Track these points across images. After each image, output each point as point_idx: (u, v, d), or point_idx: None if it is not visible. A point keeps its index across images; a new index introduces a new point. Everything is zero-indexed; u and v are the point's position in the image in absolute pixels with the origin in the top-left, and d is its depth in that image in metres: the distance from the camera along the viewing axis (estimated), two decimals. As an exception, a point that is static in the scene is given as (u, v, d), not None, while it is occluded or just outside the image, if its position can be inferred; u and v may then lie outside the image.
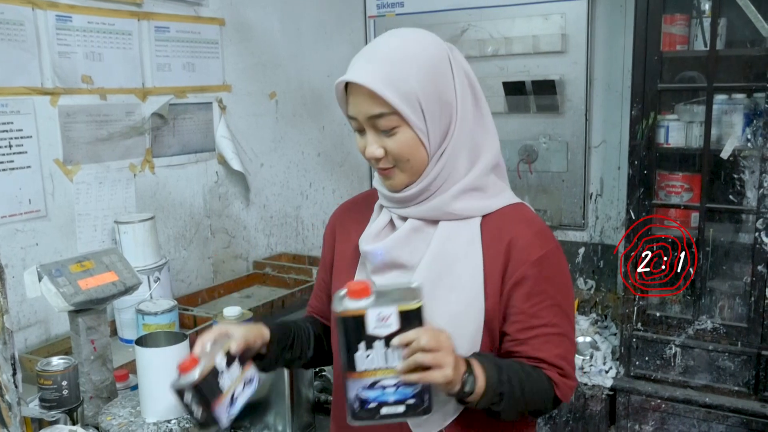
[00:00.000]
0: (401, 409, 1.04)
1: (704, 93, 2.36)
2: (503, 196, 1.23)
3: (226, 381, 1.08)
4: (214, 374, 1.06)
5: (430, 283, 1.15)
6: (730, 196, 2.42)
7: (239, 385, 1.11)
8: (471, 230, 1.19)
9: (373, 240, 1.24)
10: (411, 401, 1.04)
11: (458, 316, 1.15)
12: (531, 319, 1.17)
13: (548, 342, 1.18)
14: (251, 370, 1.15)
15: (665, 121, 2.47)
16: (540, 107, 3.05)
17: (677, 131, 2.46)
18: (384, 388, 1.03)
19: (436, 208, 1.19)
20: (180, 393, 1.05)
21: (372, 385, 1.02)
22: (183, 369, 1.05)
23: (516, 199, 1.24)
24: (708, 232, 2.44)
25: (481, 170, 1.20)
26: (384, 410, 1.04)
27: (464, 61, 1.23)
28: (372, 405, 1.03)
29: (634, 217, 2.51)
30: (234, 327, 1.17)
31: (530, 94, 3.03)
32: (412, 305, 1.01)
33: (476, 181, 1.20)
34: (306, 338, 1.35)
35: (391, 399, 1.03)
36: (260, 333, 1.21)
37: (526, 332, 1.17)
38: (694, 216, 2.51)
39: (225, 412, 1.07)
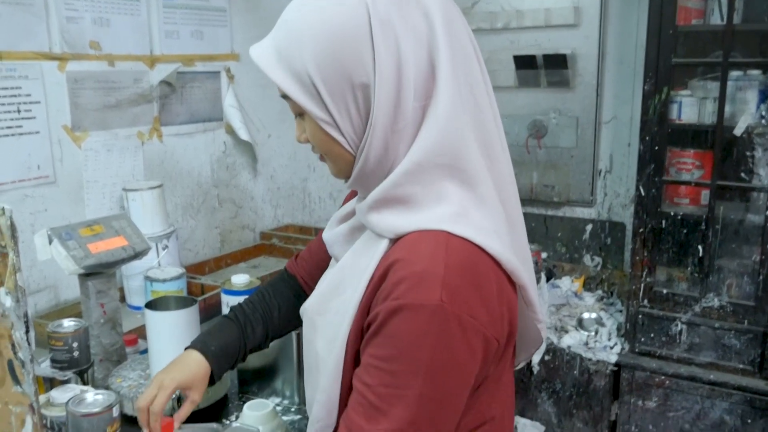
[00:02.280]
0: None
1: (719, 68, 2.33)
2: (427, 216, 0.89)
3: None
4: None
5: (323, 299, 1.02)
6: (742, 174, 2.40)
7: None
8: (376, 252, 0.93)
9: (336, 224, 1.10)
10: None
11: (328, 344, 0.97)
12: (360, 371, 0.91)
13: (355, 407, 0.90)
14: None
15: (678, 97, 2.45)
16: (551, 82, 3.02)
17: (690, 107, 2.44)
18: None
19: (359, 214, 0.97)
20: None
21: None
22: None
23: (444, 224, 0.87)
24: (718, 210, 2.43)
25: (401, 175, 0.89)
26: None
27: (425, 16, 0.89)
28: None
29: (643, 194, 2.49)
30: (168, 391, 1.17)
31: (541, 69, 3.00)
32: None
33: (393, 190, 0.90)
34: (263, 329, 1.29)
35: None
36: (198, 385, 1.20)
37: (354, 381, 0.92)
38: (704, 193, 2.49)
39: None
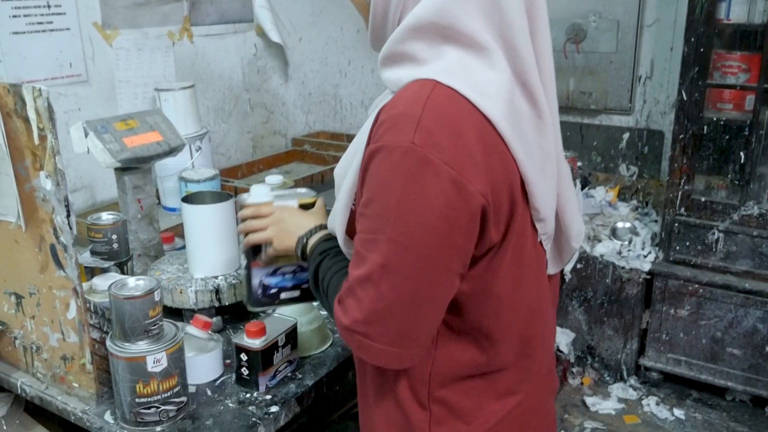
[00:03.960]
0: (297, 293, 1.20)
1: (774, -36, 2.21)
2: (425, 68, 0.87)
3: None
4: (273, 348, 1.24)
5: (346, 161, 1.00)
6: (791, 77, 2.31)
7: (284, 365, 1.28)
8: (381, 105, 0.92)
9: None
10: (306, 285, 1.19)
11: (339, 206, 0.98)
12: (356, 221, 0.92)
13: (352, 257, 0.92)
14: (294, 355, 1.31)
15: (728, -5, 2.33)
16: (592, -18, 2.89)
17: (739, 5, 2.32)
18: (284, 274, 1.17)
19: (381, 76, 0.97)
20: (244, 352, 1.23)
21: (274, 272, 1.17)
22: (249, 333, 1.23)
23: (436, 75, 0.85)
24: (763, 115, 2.35)
25: (404, 30, 0.88)
26: (283, 295, 1.20)
27: None
28: (273, 290, 1.19)
29: (685, 98, 2.41)
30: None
31: (582, -32, 2.87)
32: (310, 199, 1.17)
33: (398, 45, 0.89)
34: None
35: (290, 284, 1.19)
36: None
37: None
38: (749, 98, 2.40)
39: (265, 381, 1.25)
